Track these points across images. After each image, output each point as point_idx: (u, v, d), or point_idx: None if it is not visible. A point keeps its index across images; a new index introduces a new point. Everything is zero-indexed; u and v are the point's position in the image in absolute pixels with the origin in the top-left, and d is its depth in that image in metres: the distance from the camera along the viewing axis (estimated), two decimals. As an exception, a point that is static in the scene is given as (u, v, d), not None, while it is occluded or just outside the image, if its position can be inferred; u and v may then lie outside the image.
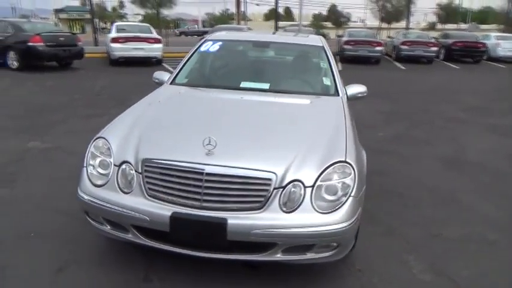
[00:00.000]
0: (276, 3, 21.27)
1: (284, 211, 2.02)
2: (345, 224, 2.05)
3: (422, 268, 2.56)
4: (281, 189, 2.04)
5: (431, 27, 56.76)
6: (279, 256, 2.09)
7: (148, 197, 2.10)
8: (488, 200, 3.66)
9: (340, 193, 2.10)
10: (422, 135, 5.85)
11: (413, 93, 9.68)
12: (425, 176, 4.22)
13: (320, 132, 2.43)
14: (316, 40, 3.76)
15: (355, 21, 71.66)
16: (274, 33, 5.69)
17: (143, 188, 2.12)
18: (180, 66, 3.52)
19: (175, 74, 3.46)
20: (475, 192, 3.85)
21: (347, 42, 15.57)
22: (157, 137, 2.35)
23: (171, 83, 3.36)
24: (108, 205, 2.14)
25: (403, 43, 16.56)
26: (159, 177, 2.11)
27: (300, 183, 2.06)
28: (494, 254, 2.80)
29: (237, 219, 1.99)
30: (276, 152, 2.20)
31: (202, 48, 3.68)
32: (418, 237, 2.94)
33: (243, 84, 3.21)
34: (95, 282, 2.27)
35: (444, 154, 4.95)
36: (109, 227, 2.26)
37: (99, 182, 2.23)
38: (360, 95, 3.29)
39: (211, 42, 3.73)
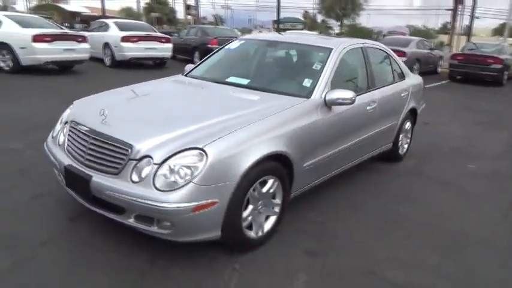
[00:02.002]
0: (472, 15, 18.42)
1: (132, 181, 2.26)
2: (175, 205, 2.14)
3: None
4: (135, 161, 2.28)
5: None
6: (131, 221, 2.33)
7: (66, 151, 2.67)
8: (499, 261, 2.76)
9: (186, 177, 2.18)
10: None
11: None
12: (457, 216, 3.42)
13: (219, 122, 2.48)
14: (332, 43, 3.55)
15: None
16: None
17: (65, 143, 2.71)
18: (201, 61, 3.96)
19: (194, 67, 3.92)
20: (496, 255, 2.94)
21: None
22: (90, 106, 2.89)
23: (185, 74, 3.83)
24: (48, 153, 2.83)
25: None
26: (72, 135, 2.66)
27: (151, 159, 2.25)
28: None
29: (99, 179, 2.35)
30: (149, 129, 2.43)
31: (227, 46, 4.02)
32: (342, 267, 2.55)
33: (229, 79, 3.42)
34: (40, 210, 2.99)
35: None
36: (56, 171, 2.94)
37: (53, 136, 2.94)
38: (340, 100, 3.01)
39: (237, 41, 4.02)
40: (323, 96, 3.04)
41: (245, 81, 3.33)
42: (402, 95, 4.31)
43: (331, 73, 3.21)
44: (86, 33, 12.77)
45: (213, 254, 2.55)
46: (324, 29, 52.50)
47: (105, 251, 2.53)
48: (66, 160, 2.58)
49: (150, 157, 2.25)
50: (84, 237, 2.67)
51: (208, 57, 3.99)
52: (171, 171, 2.21)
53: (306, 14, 69.32)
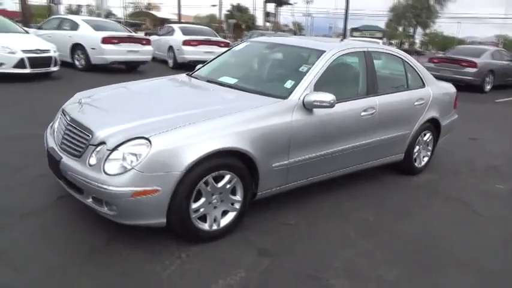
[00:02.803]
0: None
1: (89, 164, 2.47)
2: (116, 189, 2.31)
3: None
4: (94, 147, 2.49)
5: None
6: (89, 201, 2.54)
7: (54, 135, 2.99)
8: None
9: (132, 164, 2.34)
10: None
11: None
12: (452, 236, 3.15)
13: (180, 116, 2.61)
14: (327, 46, 3.48)
15: None
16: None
17: (55, 128, 3.03)
18: (208, 61, 4.12)
19: (200, 66, 4.09)
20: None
21: None
22: (81, 97, 3.17)
23: (190, 74, 4.00)
24: (44, 138, 3.17)
25: None
26: (60, 122, 2.97)
27: (105, 145, 2.44)
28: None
29: (66, 160, 2.60)
30: (113, 119, 2.64)
31: (233, 47, 4.13)
32: (287, 269, 2.51)
33: (221, 78, 3.52)
34: (39, 187, 3.35)
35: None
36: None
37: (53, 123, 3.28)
38: (317, 103, 2.96)
39: (244, 43, 4.12)
40: (302, 98, 3.02)
41: (233, 81, 3.41)
42: (416, 103, 4.05)
43: (316, 75, 3.16)
44: (155, 37, 13.86)
45: (167, 242, 2.67)
46: (405, 38, 50.17)
47: (74, 227, 2.78)
48: (52, 143, 2.89)
49: (105, 143, 2.44)
50: (63, 213, 2.96)
51: (215, 58, 4.14)
52: (120, 156, 2.37)
53: (389, 22, 67.19)
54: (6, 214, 2.86)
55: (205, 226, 2.67)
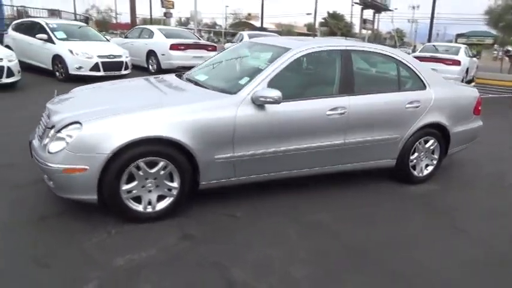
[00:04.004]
0: None
1: (43, 144, 2.89)
2: (50, 165, 2.69)
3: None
4: (49, 130, 2.90)
5: None
6: (45, 177, 2.94)
7: (44, 126, 3.52)
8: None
9: (68, 143, 2.69)
10: None
11: None
12: (414, 251, 2.90)
13: (120, 106, 2.92)
14: (297, 44, 3.46)
15: None
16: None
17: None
18: (205, 61, 4.37)
19: (197, 67, 4.36)
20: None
21: None
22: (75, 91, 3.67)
23: (177, 74, 4.24)
24: None
25: None
26: (46, 110, 3.49)
27: (54, 129, 2.83)
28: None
29: (34, 141, 3.07)
30: (70, 107, 3.07)
31: (230, 47, 4.33)
32: (197, 253, 2.62)
33: (197, 76, 3.74)
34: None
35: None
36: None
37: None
38: (262, 99, 3.00)
39: (240, 43, 4.29)
40: (251, 94, 3.09)
41: (204, 78, 3.62)
42: (408, 106, 3.76)
43: (271, 73, 3.20)
44: (229, 44, 14.64)
45: (108, 219, 2.95)
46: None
47: (44, 199, 3.23)
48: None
49: (54, 127, 2.84)
50: (45, 188, 3.42)
51: (211, 57, 4.38)
52: (61, 138, 2.74)
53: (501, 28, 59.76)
54: (4, 185, 3.44)
55: (140, 208, 2.90)
